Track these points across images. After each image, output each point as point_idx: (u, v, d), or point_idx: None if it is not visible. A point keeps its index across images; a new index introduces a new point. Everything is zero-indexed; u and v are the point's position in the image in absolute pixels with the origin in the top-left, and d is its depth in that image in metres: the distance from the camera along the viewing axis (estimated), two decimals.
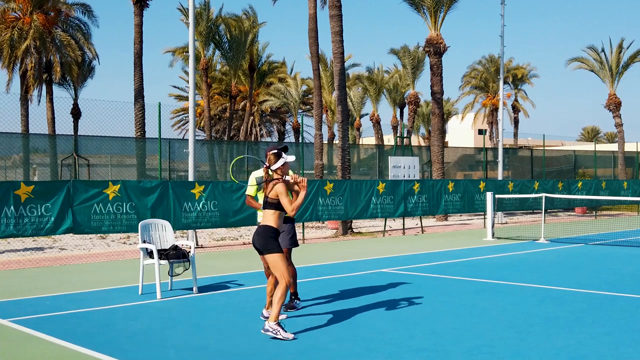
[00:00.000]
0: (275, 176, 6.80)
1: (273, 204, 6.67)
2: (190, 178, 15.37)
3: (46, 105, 32.04)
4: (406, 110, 44.50)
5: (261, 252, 6.69)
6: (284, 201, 6.63)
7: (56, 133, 30.07)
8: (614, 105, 34.90)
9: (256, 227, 7.95)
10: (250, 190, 8.08)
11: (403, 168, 19.87)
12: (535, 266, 11.79)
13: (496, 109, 46.75)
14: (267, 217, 6.71)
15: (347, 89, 26.00)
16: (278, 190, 6.62)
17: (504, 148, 25.03)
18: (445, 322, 7.11)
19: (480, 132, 58.44)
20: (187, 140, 17.15)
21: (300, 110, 45.83)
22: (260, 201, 8.01)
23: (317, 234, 19.59)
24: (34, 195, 12.08)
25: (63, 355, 5.94)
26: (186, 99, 48.92)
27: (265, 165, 6.82)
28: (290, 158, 6.86)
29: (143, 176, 23.81)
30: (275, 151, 6.82)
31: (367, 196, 17.86)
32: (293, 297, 7.91)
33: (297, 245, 7.98)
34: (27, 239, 16.42)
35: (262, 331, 6.40)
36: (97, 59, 34.94)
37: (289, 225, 7.83)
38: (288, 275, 6.54)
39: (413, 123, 41.06)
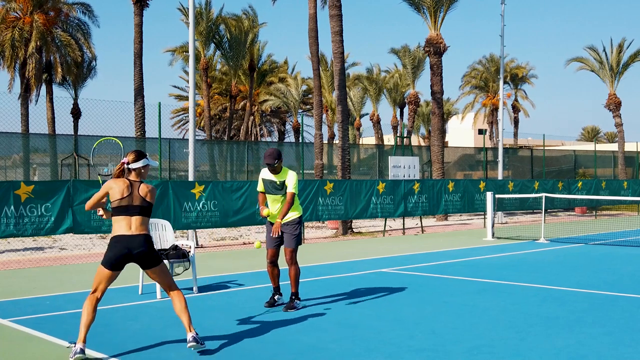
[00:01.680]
0: (133, 177, 6.04)
1: (147, 209, 6.00)
2: (190, 178, 15.37)
3: (46, 105, 32.06)
4: (406, 110, 44.51)
5: (150, 264, 5.96)
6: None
7: (56, 133, 30.08)
8: (614, 105, 34.90)
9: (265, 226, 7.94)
10: (259, 187, 8.07)
11: (403, 168, 19.87)
12: (535, 266, 11.79)
13: (496, 109, 46.75)
14: (143, 225, 5.93)
15: (347, 88, 26.00)
16: (155, 193, 6.08)
17: (504, 148, 25.03)
18: (445, 322, 7.11)
19: (480, 132, 58.41)
20: (187, 140, 17.15)
21: (300, 110, 45.83)
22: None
23: (317, 233, 19.59)
24: (34, 195, 12.08)
25: (63, 355, 5.93)
26: (186, 98, 48.92)
27: (124, 161, 6.05)
28: (154, 163, 6.27)
29: None
30: (137, 150, 6.17)
31: (367, 196, 17.86)
32: (293, 297, 7.91)
33: (300, 243, 7.99)
34: (27, 238, 16.42)
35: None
36: (96, 60, 34.95)
37: (293, 225, 7.81)
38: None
39: (413, 123, 41.06)
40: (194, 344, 5.79)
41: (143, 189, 5.98)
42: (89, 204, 6.17)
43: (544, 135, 27.44)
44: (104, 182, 6.48)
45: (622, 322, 7.03)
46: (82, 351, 5.61)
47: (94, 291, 5.86)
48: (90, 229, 12.92)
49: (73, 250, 15.10)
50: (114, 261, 5.81)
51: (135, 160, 6.02)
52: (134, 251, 5.82)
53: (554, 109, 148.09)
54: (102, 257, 5.89)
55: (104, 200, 6.16)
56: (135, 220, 5.88)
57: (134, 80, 26.03)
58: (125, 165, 6.01)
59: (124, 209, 5.88)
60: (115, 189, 5.93)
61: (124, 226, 5.86)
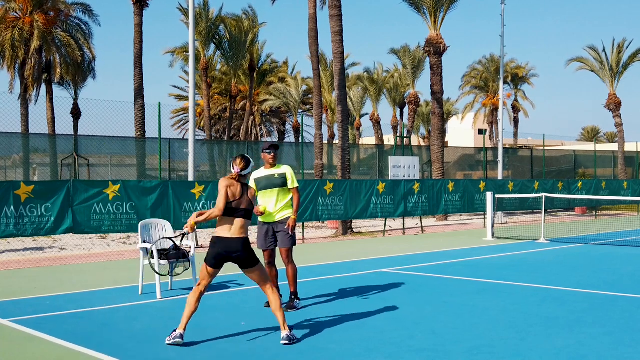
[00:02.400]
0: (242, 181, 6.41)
1: (251, 212, 6.38)
2: (190, 178, 15.37)
3: (46, 105, 32.06)
4: (406, 110, 44.52)
5: (248, 265, 6.34)
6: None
7: (56, 133, 30.08)
8: (614, 105, 34.90)
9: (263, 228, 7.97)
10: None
11: (403, 168, 19.87)
12: (535, 266, 11.79)
13: (496, 109, 46.75)
14: (244, 228, 6.29)
15: (347, 89, 26.00)
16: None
17: (504, 148, 25.03)
18: (445, 322, 7.11)
19: (480, 132, 58.41)
20: (187, 140, 17.15)
21: (300, 110, 45.83)
22: (260, 201, 8.02)
23: (317, 233, 19.59)
24: (34, 195, 12.08)
25: (63, 355, 5.94)
26: (186, 98, 48.92)
27: (237, 170, 6.35)
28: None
29: (143, 176, 23.81)
30: (243, 155, 6.47)
31: (367, 196, 17.86)
32: (293, 297, 7.92)
33: (295, 243, 7.99)
34: (27, 238, 16.42)
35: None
36: (94, 60, 34.92)
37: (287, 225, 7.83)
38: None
39: (413, 123, 41.06)
40: (286, 342, 6.12)
41: (251, 193, 6.37)
42: (221, 208, 6.23)
43: (544, 135, 27.47)
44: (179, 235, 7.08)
45: (622, 322, 7.03)
46: (182, 336, 6.05)
47: (199, 284, 6.26)
48: (90, 229, 12.91)
49: (73, 250, 15.10)
50: (214, 260, 6.23)
51: (246, 168, 6.36)
52: (232, 254, 6.22)
53: (554, 109, 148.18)
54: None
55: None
56: (237, 222, 6.23)
57: (134, 81, 26.04)
58: (237, 173, 6.31)
59: (232, 210, 6.22)
60: (233, 190, 6.26)
61: (226, 228, 6.23)
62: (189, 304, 6.20)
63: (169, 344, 6.09)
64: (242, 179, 6.38)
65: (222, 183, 6.27)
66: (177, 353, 5.94)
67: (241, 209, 6.24)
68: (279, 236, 7.84)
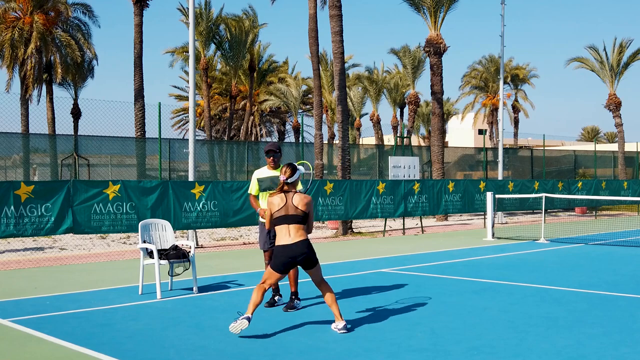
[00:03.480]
0: (287, 188, 6.81)
1: (302, 217, 6.71)
2: (190, 178, 15.37)
3: (46, 105, 32.06)
4: (406, 110, 44.50)
5: (310, 266, 6.76)
6: (312, 216, 6.81)
7: (56, 133, 30.08)
8: (614, 105, 34.90)
9: (260, 226, 7.98)
10: (252, 188, 8.09)
11: (403, 168, 19.88)
12: (535, 266, 11.79)
13: (496, 109, 46.75)
14: (300, 232, 6.67)
15: (347, 89, 26.00)
16: (311, 204, 6.77)
17: (504, 148, 25.03)
18: (445, 322, 7.11)
19: (480, 132, 58.46)
20: (187, 140, 17.15)
21: (300, 110, 45.83)
22: (262, 202, 8.03)
23: (317, 234, 19.59)
24: (34, 195, 12.08)
25: (63, 355, 5.94)
26: (186, 99, 48.93)
27: (282, 178, 6.77)
28: (302, 169, 7.01)
29: (143, 176, 23.82)
30: (289, 163, 6.87)
31: (367, 196, 17.86)
32: (293, 297, 7.92)
33: None
34: (27, 239, 16.43)
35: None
36: (96, 60, 34.94)
37: None
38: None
39: (413, 123, 41.06)
40: (344, 331, 6.57)
41: (297, 199, 6.71)
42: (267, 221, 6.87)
43: (544, 136, 27.48)
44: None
45: (622, 322, 7.03)
46: (249, 319, 6.38)
47: (263, 282, 6.66)
48: (90, 229, 12.91)
49: (73, 250, 15.10)
50: (282, 267, 6.64)
51: (292, 175, 6.77)
52: (297, 258, 6.63)
53: (554, 109, 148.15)
54: (270, 261, 6.78)
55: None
56: (293, 228, 6.64)
57: (134, 81, 26.04)
58: (284, 182, 6.76)
59: (282, 219, 6.66)
60: (273, 202, 6.74)
61: (284, 235, 6.64)
62: (256, 296, 6.55)
63: (237, 330, 6.32)
64: (290, 187, 6.81)
65: (269, 202, 6.80)
66: (177, 353, 5.95)
67: (290, 215, 6.66)
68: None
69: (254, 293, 6.57)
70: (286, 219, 6.63)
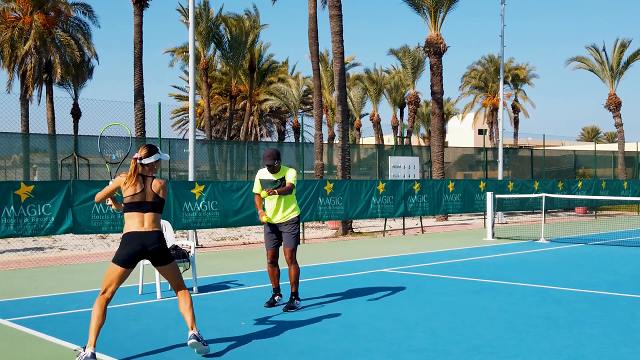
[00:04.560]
0: (146, 172, 5.92)
1: (159, 205, 5.91)
2: (190, 178, 15.37)
3: (46, 105, 32.06)
4: (406, 110, 44.50)
5: (163, 262, 5.87)
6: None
7: (56, 133, 30.07)
8: (614, 105, 34.90)
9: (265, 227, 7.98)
10: (255, 188, 8.09)
11: (403, 168, 19.87)
12: (535, 266, 11.79)
13: (496, 109, 46.75)
14: (156, 221, 5.84)
15: (347, 89, 26.00)
16: (166, 189, 5.97)
17: (504, 148, 25.03)
18: (445, 322, 7.11)
19: (480, 132, 58.45)
20: (187, 140, 17.16)
21: (300, 110, 45.83)
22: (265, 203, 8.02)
23: (317, 234, 19.59)
24: (34, 195, 12.08)
25: (63, 355, 5.94)
26: (186, 99, 48.92)
27: (136, 156, 5.88)
28: (166, 156, 6.09)
29: None
30: (149, 144, 6.01)
31: (367, 196, 17.86)
32: (293, 297, 7.92)
33: (298, 243, 8.00)
34: (27, 239, 16.43)
35: None
36: (96, 59, 34.97)
37: (292, 225, 7.83)
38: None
39: (413, 123, 41.06)
40: (194, 341, 5.70)
41: (156, 185, 5.87)
42: (99, 196, 6.02)
43: (544, 135, 27.47)
44: (112, 169, 6.49)
45: (622, 323, 7.02)
46: (93, 356, 5.46)
47: (104, 292, 5.73)
48: (90, 229, 12.92)
49: (73, 250, 15.10)
50: (128, 258, 5.70)
51: (148, 156, 5.87)
52: (148, 248, 5.73)
53: (554, 109, 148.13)
54: (114, 255, 5.81)
55: (114, 193, 6.06)
56: (148, 216, 5.78)
57: (134, 81, 26.03)
58: (138, 161, 5.85)
59: (136, 205, 5.77)
60: (128, 184, 5.80)
61: (137, 223, 5.75)
62: (96, 317, 5.63)
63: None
64: (144, 171, 5.90)
65: (117, 179, 5.92)
66: (177, 353, 5.94)
67: (147, 202, 5.81)
68: (283, 236, 7.87)
69: (93, 311, 5.67)
70: (142, 206, 5.78)
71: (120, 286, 9.67)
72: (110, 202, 6.18)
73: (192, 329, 5.78)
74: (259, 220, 8.04)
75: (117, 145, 6.85)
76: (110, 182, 5.99)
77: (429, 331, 6.68)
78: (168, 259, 5.87)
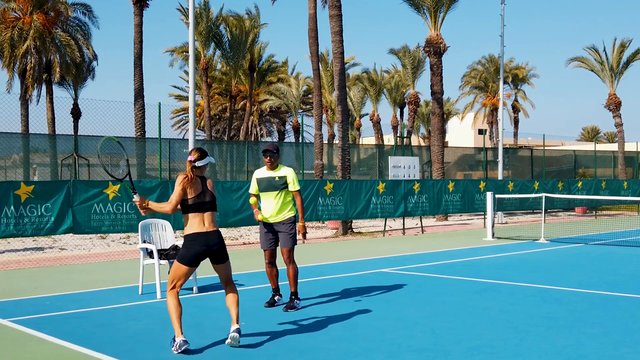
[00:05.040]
0: (199, 173, 6.14)
1: (215, 204, 6.20)
2: None
3: (46, 105, 32.05)
4: (406, 110, 44.50)
5: (222, 260, 6.18)
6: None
7: (56, 133, 30.07)
8: (614, 105, 34.89)
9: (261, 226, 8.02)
10: (252, 188, 8.09)
11: (403, 168, 19.87)
12: (535, 266, 11.79)
13: (496, 109, 46.75)
14: (215, 220, 6.12)
15: (347, 89, 26.01)
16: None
17: (504, 148, 25.03)
18: (445, 322, 7.11)
19: (480, 132, 58.39)
20: (187, 140, 17.15)
21: (300, 110, 45.83)
22: (261, 202, 8.03)
23: (317, 234, 19.59)
24: (34, 195, 12.08)
25: (63, 355, 5.94)
26: (186, 99, 48.92)
27: (190, 159, 6.10)
28: (212, 160, 6.33)
29: (143, 176, 23.82)
30: (200, 147, 6.24)
31: (367, 196, 17.86)
32: (293, 297, 7.92)
33: (296, 243, 8.00)
34: (27, 239, 16.42)
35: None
36: (96, 60, 34.95)
37: (289, 225, 7.84)
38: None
39: (413, 123, 41.06)
40: (237, 335, 6.00)
41: (210, 185, 6.19)
42: (172, 207, 6.05)
43: (544, 135, 27.47)
44: (116, 182, 6.61)
45: (622, 323, 7.02)
46: (186, 342, 5.86)
47: (173, 287, 6.05)
48: (90, 229, 12.91)
49: (73, 250, 15.10)
50: (194, 258, 6.01)
51: (201, 158, 6.09)
52: (212, 248, 6.03)
53: (554, 109, 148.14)
54: (178, 254, 6.08)
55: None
56: (208, 216, 6.07)
57: (134, 81, 26.03)
58: (192, 164, 6.08)
59: (198, 206, 6.04)
60: (193, 186, 6.04)
61: (198, 222, 6.02)
62: (174, 308, 6.00)
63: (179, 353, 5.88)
64: (198, 173, 6.13)
65: (180, 181, 6.07)
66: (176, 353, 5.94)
67: (206, 201, 6.08)
68: (280, 236, 7.86)
69: (170, 304, 6.06)
70: (203, 206, 6.05)
71: (120, 286, 9.72)
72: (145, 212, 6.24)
73: (235, 323, 6.10)
74: (255, 219, 8.05)
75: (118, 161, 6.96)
76: (176, 187, 6.07)
77: (429, 331, 6.68)
78: (226, 257, 6.20)
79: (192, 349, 6.05)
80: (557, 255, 13.50)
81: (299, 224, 7.92)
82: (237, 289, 6.44)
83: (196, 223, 6.02)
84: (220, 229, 7.08)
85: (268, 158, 7.85)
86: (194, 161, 6.06)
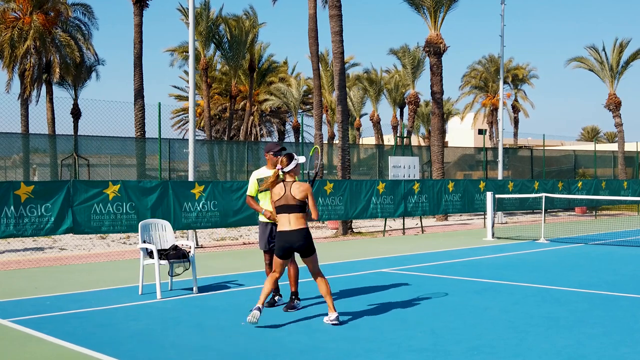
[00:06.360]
0: (289, 178, 7.02)
1: (301, 206, 6.93)
2: (190, 178, 15.37)
3: (46, 105, 32.05)
4: (406, 110, 44.50)
5: (305, 255, 7.01)
6: (313, 202, 7.02)
7: (56, 133, 30.07)
8: (614, 105, 34.88)
9: (260, 226, 8.01)
10: (251, 190, 8.08)
11: (403, 168, 19.87)
12: (535, 266, 11.79)
13: (496, 109, 46.75)
14: (299, 220, 6.93)
15: (347, 89, 26.01)
16: (309, 191, 6.97)
17: (504, 148, 25.03)
18: (445, 322, 7.11)
19: (480, 132, 58.35)
20: (187, 140, 17.15)
21: (300, 110, 45.83)
22: (262, 202, 8.02)
23: (317, 234, 19.59)
24: (34, 195, 12.08)
25: (63, 355, 5.94)
26: (186, 99, 48.91)
27: (278, 167, 7.00)
28: (302, 159, 7.16)
29: (143, 176, 23.82)
30: (287, 153, 7.17)
31: (367, 196, 17.86)
32: (293, 297, 7.92)
33: None
34: (27, 239, 16.42)
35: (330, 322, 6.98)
36: (97, 60, 34.97)
37: None
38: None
39: (413, 123, 41.06)
40: (336, 322, 6.89)
41: (295, 189, 6.93)
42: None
43: (544, 135, 27.48)
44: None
45: (622, 323, 7.02)
46: (260, 309, 6.72)
47: (274, 271, 7.09)
48: (90, 229, 12.91)
49: (73, 250, 15.10)
50: (281, 252, 6.98)
51: (288, 164, 7.00)
52: (294, 245, 6.92)
53: (554, 109, 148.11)
54: (270, 262, 7.34)
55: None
56: (293, 217, 6.91)
57: (134, 81, 26.04)
58: (280, 171, 6.98)
59: (282, 208, 6.94)
60: (274, 191, 7.02)
61: (285, 222, 6.94)
62: (268, 285, 6.99)
63: (255, 319, 6.65)
64: (286, 178, 7.03)
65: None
66: (177, 353, 5.94)
67: (289, 204, 6.92)
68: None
69: (266, 282, 7.00)
70: (286, 208, 6.91)
71: (120, 286, 9.72)
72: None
73: (332, 311, 6.95)
74: (261, 218, 7.95)
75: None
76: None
77: (429, 331, 6.68)
78: (312, 251, 7.03)
79: (192, 349, 6.04)
80: (557, 255, 13.51)
81: (266, 210, 7.78)
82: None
83: (281, 223, 6.98)
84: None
85: (281, 157, 7.79)
86: (282, 168, 6.99)
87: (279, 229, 6.99)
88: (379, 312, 7.65)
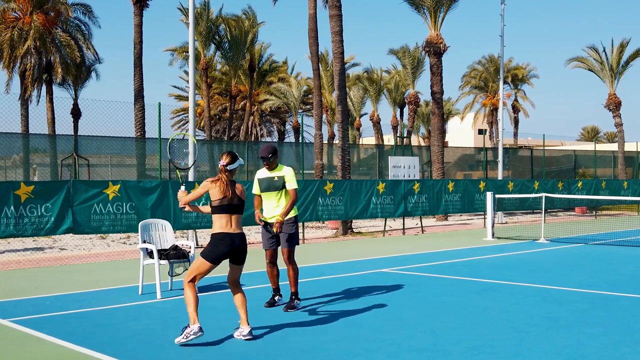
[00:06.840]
0: (230, 178, 6.47)
1: (242, 208, 6.50)
2: (190, 178, 15.37)
3: (46, 105, 32.05)
4: (406, 110, 44.50)
5: (241, 261, 6.54)
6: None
7: (56, 133, 30.07)
8: (614, 105, 34.88)
9: (262, 227, 8.00)
10: (255, 189, 8.08)
11: (403, 168, 19.87)
12: (535, 266, 11.79)
13: (496, 109, 46.75)
14: (240, 223, 6.44)
15: (347, 89, 26.00)
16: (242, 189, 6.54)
17: (504, 148, 25.03)
18: (445, 322, 7.11)
19: (480, 132, 58.40)
20: (187, 140, 17.14)
21: (300, 110, 45.84)
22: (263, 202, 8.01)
23: (317, 234, 19.59)
24: (34, 195, 12.08)
25: (63, 355, 5.94)
26: (186, 99, 48.92)
27: (222, 164, 6.45)
28: (242, 162, 6.63)
29: (143, 176, 23.81)
30: (229, 151, 6.57)
31: (367, 196, 17.85)
32: (293, 297, 7.92)
33: (297, 243, 8.00)
34: (27, 239, 16.42)
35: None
36: (97, 60, 34.96)
37: (289, 225, 7.83)
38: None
39: (413, 123, 41.06)
40: (249, 337, 6.33)
41: (239, 189, 6.48)
42: (186, 200, 6.58)
43: (544, 135, 27.46)
44: (182, 175, 6.97)
45: (622, 323, 7.02)
46: (200, 329, 6.10)
47: (192, 280, 6.41)
48: (90, 229, 12.91)
49: (73, 250, 15.10)
50: (219, 257, 6.35)
51: (232, 162, 6.44)
52: (238, 248, 6.37)
53: (554, 109, 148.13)
54: (203, 251, 6.41)
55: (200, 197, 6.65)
56: (235, 218, 6.39)
57: (134, 81, 26.04)
58: (225, 167, 6.42)
59: (225, 208, 6.34)
60: (216, 189, 6.37)
61: (225, 224, 6.35)
62: (192, 298, 6.34)
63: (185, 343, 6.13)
64: (228, 176, 6.47)
65: (205, 184, 6.47)
66: (177, 353, 5.94)
67: (234, 204, 6.41)
68: (281, 236, 7.85)
69: (188, 294, 6.38)
70: (229, 209, 6.35)
71: (120, 286, 9.72)
72: (187, 207, 6.73)
73: (246, 324, 6.40)
74: (257, 221, 8.02)
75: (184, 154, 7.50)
76: (199, 187, 6.52)
77: (429, 331, 6.68)
78: (244, 260, 6.54)
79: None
80: (557, 255, 13.50)
81: (277, 218, 7.66)
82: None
83: (223, 224, 6.34)
84: None
85: (265, 163, 7.85)
86: (226, 165, 6.41)
87: (220, 230, 6.35)
88: (379, 312, 7.65)
